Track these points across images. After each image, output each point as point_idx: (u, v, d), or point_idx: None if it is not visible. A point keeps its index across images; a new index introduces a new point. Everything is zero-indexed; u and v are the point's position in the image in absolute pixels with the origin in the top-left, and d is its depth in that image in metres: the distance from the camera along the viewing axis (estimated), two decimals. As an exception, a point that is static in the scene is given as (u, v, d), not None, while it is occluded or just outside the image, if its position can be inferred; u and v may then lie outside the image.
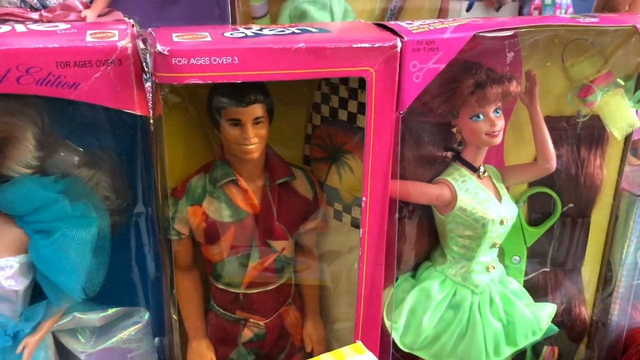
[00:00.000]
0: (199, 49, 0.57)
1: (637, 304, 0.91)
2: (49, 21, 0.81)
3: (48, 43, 0.55)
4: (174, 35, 0.60)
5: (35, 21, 0.80)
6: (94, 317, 0.73)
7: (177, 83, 0.57)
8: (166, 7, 0.89)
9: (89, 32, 0.59)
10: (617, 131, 0.81)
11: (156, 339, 0.79)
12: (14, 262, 0.65)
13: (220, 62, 0.57)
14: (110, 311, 0.74)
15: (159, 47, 0.56)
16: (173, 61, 0.56)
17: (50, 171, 0.67)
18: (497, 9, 1.01)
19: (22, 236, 0.66)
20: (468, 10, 0.99)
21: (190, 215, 0.68)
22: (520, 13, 1.01)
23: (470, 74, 0.72)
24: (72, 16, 0.81)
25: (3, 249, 0.65)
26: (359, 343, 0.67)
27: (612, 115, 0.80)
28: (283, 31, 0.63)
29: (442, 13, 0.96)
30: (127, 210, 0.71)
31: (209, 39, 0.59)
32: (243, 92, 0.63)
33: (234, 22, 0.86)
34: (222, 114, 0.65)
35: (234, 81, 0.59)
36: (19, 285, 0.66)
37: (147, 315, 0.77)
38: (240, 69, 0.58)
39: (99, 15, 0.84)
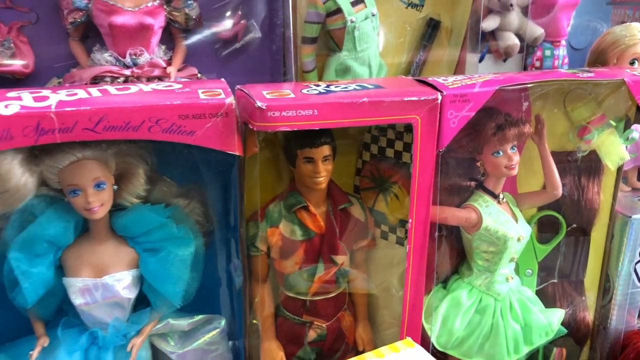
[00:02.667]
0: (288, 104, 0.73)
1: (631, 310, 1.06)
2: (139, 77, 0.97)
3: (173, 100, 0.71)
4: (264, 92, 0.76)
5: (127, 76, 0.96)
6: (184, 323, 0.87)
7: (270, 130, 0.73)
8: (229, 62, 1.05)
9: (200, 90, 0.74)
10: (610, 163, 0.97)
11: (230, 342, 0.93)
12: (128, 275, 0.80)
13: (303, 113, 0.73)
14: (196, 318, 0.88)
15: (259, 104, 0.72)
16: (269, 114, 0.72)
17: (153, 201, 0.82)
18: (504, 60, 1.19)
19: (133, 254, 0.80)
20: (480, 61, 1.16)
21: (269, 235, 0.84)
22: (524, 63, 1.18)
23: (492, 118, 0.88)
24: (157, 72, 0.97)
25: (119, 265, 0.79)
26: (409, 339, 0.82)
27: (607, 150, 0.97)
28: (347, 88, 0.80)
29: (459, 64, 1.13)
30: (213, 233, 0.86)
31: (292, 95, 0.76)
32: (316, 136, 0.79)
33: (288, 74, 1.02)
34: (298, 154, 0.81)
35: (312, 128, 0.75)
36: (131, 294, 0.80)
37: (223, 322, 0.91)
38: (318, 119, 0.74)
39: (178, 70, 1.00)
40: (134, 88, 0.76)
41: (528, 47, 1.16)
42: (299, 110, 0.73)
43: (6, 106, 0.66)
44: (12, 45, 0.95)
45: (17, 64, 0.95)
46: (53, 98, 0.69)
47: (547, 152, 0.94)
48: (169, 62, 0.99)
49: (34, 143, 0.67)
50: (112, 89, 0.75)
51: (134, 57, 0.95)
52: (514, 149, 0.91)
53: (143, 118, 0.70)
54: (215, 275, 0.87)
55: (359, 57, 1.01)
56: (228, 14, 1.03)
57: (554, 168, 0.94)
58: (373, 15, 1.02)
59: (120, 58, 0.95)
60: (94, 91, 0.73)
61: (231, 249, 0.85)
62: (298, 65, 1.00)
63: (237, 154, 0.75)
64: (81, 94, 0.71)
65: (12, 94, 0.70)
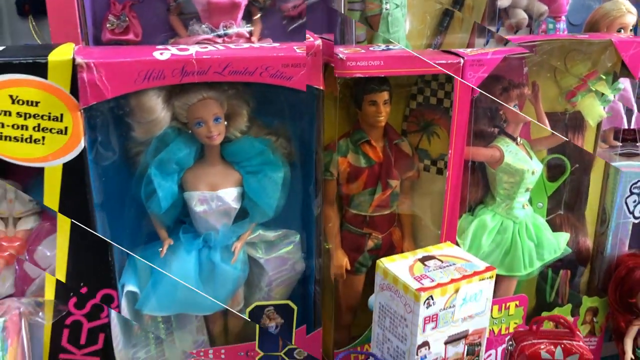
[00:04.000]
0: (362, 56, 0.96)
1: (623, 237, 1.29)
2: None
3: (278, 53, 0.95)
4: (341, 48, 1.00)
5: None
6: (270, 235, 1.10)
7: (348, 76, 0.97)
8: (294, 36, 1.28)
9: (295, 47, 0.98)
10: (591, 120, 1.21)
11: (303, 254, 1.16)
12: (234, 191, 1.03)
13: (373, 64, 0.97)
14: (280, 232, 1.12)
15: (340, 55, 0.95)
16: (348, 63, 0.96)
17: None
18: (515, 32, 1.42)
19: (238, 175, 1.03)
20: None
21: (339, 163, 1.07)
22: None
23: (499, 81, 1.11)
24: (242, 41, 1.21)
25: (228, 183, 1.03)
26: (449, 242, 1.06)
27: (588, 110, 1.21)
28: (400, 48, 1.04)
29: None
30: (295, 164, 1.09)
31: (362, 51, 1.00)
32: (380, 83, 1.03)
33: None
34: (364, 98, 1.04)
35: (378, 75, 0.99)
36: (237, 205, 1.03)
37: (298, 237, 1.13)
38: (383, 68, 0.98)
39: (257, 40, 1.23)
40: (244, 45, 1.00)
41: (534, 21, 1.39)
42: (369, 61, 0.97)
43: (161, 53, 0.90)
44: (127, 19, 1.19)
45: (130, 34, 1.19)
46: (192, 50, 0.92)
47: (542, 110, 1.18)
48: (251, 34, 1.22)
49: (179, 82, 0.91)
50: (231, 45, 0.99)
51: (225, 28, 1.19)
52: (515, 107, 1.14)
53: (257, 65, 0.93)
54: (296, 198, 1.11)
55: (392, 38, 1.24)
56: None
57: (546, 122, 1.18)
58: (402, 4, 1.24)
59: (214, 29, 1.18)
60: (219, 47, 0.97)
61: (310, 176, 1.08)
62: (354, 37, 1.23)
63: (321, 88, 0.98)
64: (211, 48, 0.95)
65: (160, 47, 0.94)
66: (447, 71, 1.02)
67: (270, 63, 0.94)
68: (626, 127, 1.35)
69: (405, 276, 0.92)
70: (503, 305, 1.21)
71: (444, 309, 0.92)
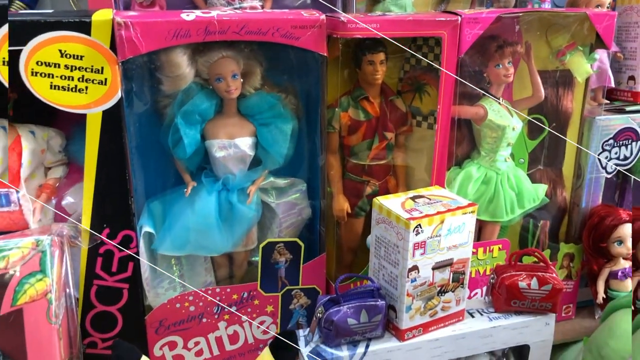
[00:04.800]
0: (361, 19, 1.11)
1: (596, 190, 1.43)
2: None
3: (287, 16, 1.09)
4: (343, 13, 1.14)
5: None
6: (281, 182, 1.25)
7: (349, 37, 1.11)
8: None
9: (302, 12, 1.12)
10: (579, 77, 1.35)
11: (309, 201, 1.30)
12: (249, 140, 1.17)
13: (371, 26, 1.11)
14: (289, 180, 1.26)
15: (342, 18, 1.10)
16: (349, 25, 1.10)
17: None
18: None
19: (252, 127, 1.17)
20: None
21: (341, 118, 1.22)
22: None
23: (495, 40, 1.26)
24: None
25: (244, 133, 1.16)
26: (437, 185, 1.21)
27: (576, 67, 1.34)
28: (397, 13, 1.18)
29: None
30: (302, 118, 1.23)
31: (361, 15, 1.14)
32: (377, 45, 1.18)
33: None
34: (363, 58, 1.19)
35: (375, 37, 1.13)
36: (251, 152, 1.18)
37: (305, 186, 1.28)
38: (380, 30, 1.12)
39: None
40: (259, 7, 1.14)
41: (520, 2, 1.53)
42: (367, 23, 1.11)
43: (187, 15, 1.04)
44: (152, -8, 1.33)
45: (156, 7, 1.33)
46: (214, 13, 1.07)
47: (534, 67, 1.32)
48: (263, 5, 1.37)
49: (202, 40, 1.06)
50: (247, 11, 1.13)
51: (240, 2, 1.33)
52: (510, 64, 1.28)
53: (269, 26, 1.08)
54: (303, 149, 1.25)
55: (398, 4, 1.38)
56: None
57: (538, 78, 1.32)
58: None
59: (230, 2, 1.33)
60: (238, 11, 1.11)
61: (315, 129, 1.22)
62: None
63: (325, 54, 1.13)
64: (230, 12, 1.09)
65: (186, 11, 1.08)
66: (440, 30, 1.16)
67: (281, 24, 1.08)
68: (613, 85, 1.50)
69: (397, 209, 1.07)
70: (487, 248, 1.35)
71: (431, 237, 1.06)
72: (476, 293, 1.37)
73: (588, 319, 1.50)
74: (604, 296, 1.39)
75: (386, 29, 1.13)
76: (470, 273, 1.32)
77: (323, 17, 1.10)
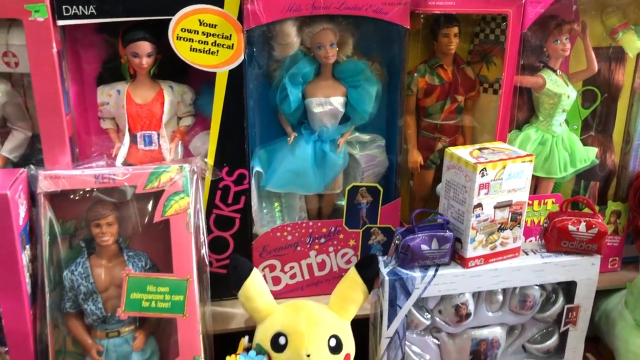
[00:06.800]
0: (439, -2, 1.33)
1: (643, 156, 1.61)
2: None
3: (378, -5, 1.32)
4: (425, -6, 1.37)
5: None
6: (365, 137, 1.48)
7: (429, 12, 1.34)
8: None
9: (390, -8, 1.35)
10: (631, 53, 1.53)
11: (387, 155, 1.53)
12: (341, 99, 1.41)
13: (447, 3, 1.33)
14: (371, 135, 1.49)
15: (425, -4, 1.32)
16: (429, 2, 1.32)
17: (352, 61, 1.44)
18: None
19: (343, 88, 1.41)
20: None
21: (419, 82, 1.44)
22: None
23: (554, 18, 1.46)
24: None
25: (337, 93, 1.40)
26: (500, 141, 1.41)
27: (628, 44, 1.52)
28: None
29: None
30: (384, 81, 1.46)
31: (440, -4, 1.36)
32: (451, 19, 1.39)
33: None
34: (439, 32, 1.41)
35: (451, 13, 1.35)
36: (342, 109, 1.41)
37: (384, 142, 1.51)
38: (455, 7, 1.34)
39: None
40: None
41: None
42: (444, 1, 1.33)
43: (298, -7, 1.29)
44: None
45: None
46: (319, -9, 1.31)
47: (589, 43, 1.51)
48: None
49: (310, 13, 1.30)
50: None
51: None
52: (567, 40, 1.47)
53: (364, 3, 1.31)
54: (384, 110, 1.48)
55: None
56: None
57: (592, 54, 1.51)
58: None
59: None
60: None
61: (396, 93, 1.45)
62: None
63: (408, 27, 1.35)
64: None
65: (296, -10, 1.32)
66: (507, 8, 1.36)
67: (373, 2, 1.31)
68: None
69: (466, 156, 1.28)
70: (542, 201, 1.55)
71: (494, 180, 1.27)
72: (531, 240, 1.57)
73: (633, 272, 1.67)
74: (648, 249, 1.56)
75: (460, 6, 1.34)
76: (526, 222, 1.52)
77: (410, -5, 1.32)
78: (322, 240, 1.47)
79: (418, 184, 1.53)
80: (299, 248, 1.46)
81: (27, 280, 1.14)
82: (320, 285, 1.51)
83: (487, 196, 1.28)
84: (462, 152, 1.31)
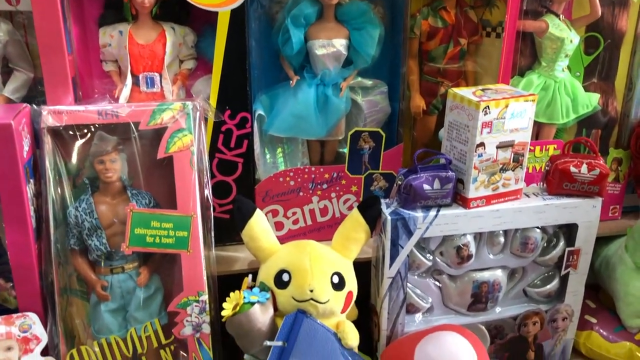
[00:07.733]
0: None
1: (647, 102, 1.61)
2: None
3: None
4: None
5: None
6: (367, 82, 1.48)
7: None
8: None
9: None
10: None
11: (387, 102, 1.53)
12: (344, 40, 1.39)
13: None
14: (374, 80, 1.49)
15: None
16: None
17: (355, 4, 1.43)
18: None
19: (346, 31, 1.40)
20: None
21: (422, 25, 1.44)
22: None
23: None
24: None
25: (339, 35, 1.39)
26: (502, 83, 1.41)
27: (631, -9, 1.52)
28: None
29: None
30: (387, 24, 1.45)
31: None
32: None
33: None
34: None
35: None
36: (345, 52, 1.41)
37: (386, 88, 1.51)
38: (458, -53, 1.33)
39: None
40: None
41: None
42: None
43: None
44: None
45: None
46: None
47: (593, -10, 1.50)
48: None
49: (312, -48, 1.29)
50: None
51: None
52: (571, -17, 1.47)
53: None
54: (386, 56, 1.48)
55: None
56: None
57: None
58: None
59: None
60: None
61: (399, 36, 1.44)
62: None
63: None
64: None
65: None
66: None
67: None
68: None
69: (469, 95, 1.28)
70: (544, 147, 1.55)
71: (497, 118, 1.27)
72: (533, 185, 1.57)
73: (633, 220, 1.67)
74: (648, 195, 1.57)
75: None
76: (528, 168, 1.53)
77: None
78: (325, 185, 1.47)
79: (420, 130, 1.54)
80: (301, 193, 1.47)
81: (32, 214, 1.15)
82: (323, 231, 1.51)
83: (490, 135, 1.28)
84: (465, 92, 1.31)
